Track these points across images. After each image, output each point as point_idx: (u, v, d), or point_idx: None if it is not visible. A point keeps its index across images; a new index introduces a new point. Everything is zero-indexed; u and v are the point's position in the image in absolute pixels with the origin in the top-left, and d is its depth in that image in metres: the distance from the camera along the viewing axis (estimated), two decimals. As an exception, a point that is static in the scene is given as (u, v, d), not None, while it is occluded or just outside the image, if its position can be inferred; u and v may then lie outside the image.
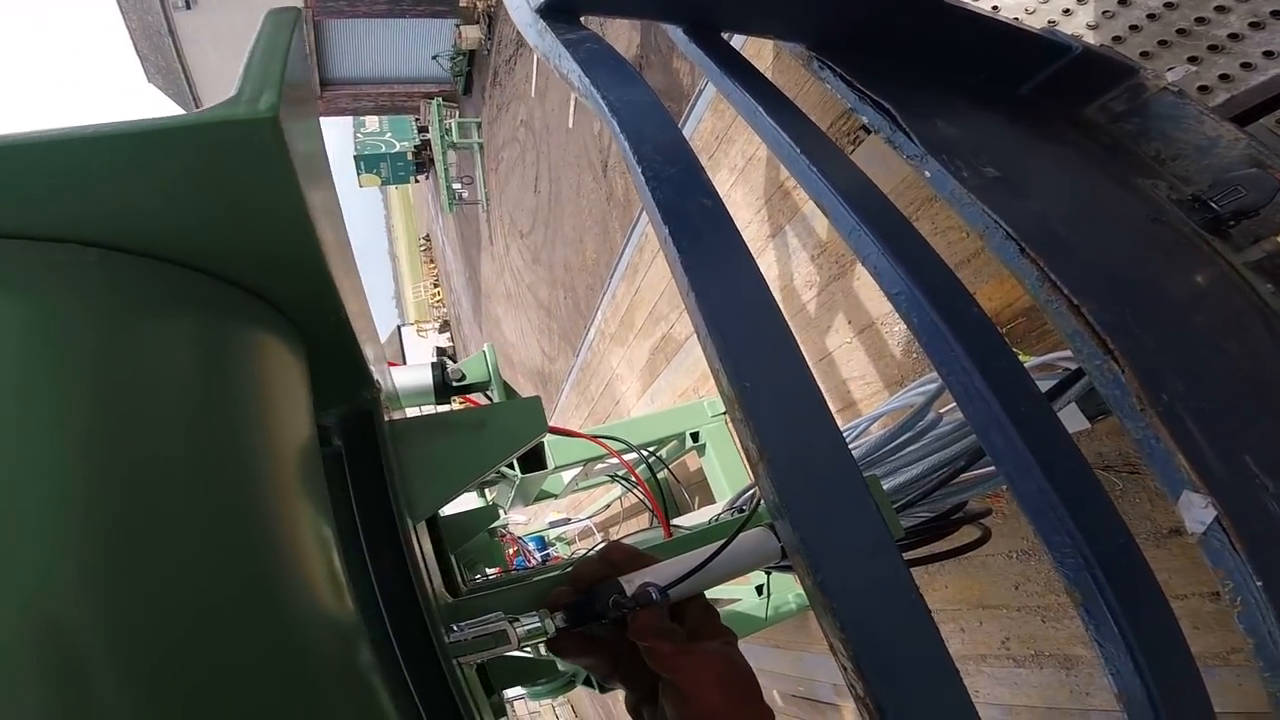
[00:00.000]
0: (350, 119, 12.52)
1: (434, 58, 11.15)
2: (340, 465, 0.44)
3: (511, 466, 1.80)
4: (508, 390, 1.04)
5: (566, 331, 5.33)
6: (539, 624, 0.46)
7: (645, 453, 2.03)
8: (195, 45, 10.64)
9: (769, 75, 1.81)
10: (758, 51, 1.78)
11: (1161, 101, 0.87)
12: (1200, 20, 0.93)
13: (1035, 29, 0.96)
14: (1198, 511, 0.49)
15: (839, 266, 1.76)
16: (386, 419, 0.48)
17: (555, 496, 2.35)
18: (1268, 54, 0.87)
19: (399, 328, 19.80)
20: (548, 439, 1.85)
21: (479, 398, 1.07)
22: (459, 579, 1.03)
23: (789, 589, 1.95)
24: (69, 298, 0.22)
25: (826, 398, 1.97)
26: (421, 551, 0.47)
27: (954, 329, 0.52)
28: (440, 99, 10.69)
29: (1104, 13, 1.02)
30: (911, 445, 0.92)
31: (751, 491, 1.28)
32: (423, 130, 11.82)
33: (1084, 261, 0.58)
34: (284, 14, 0.23)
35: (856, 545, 0.39)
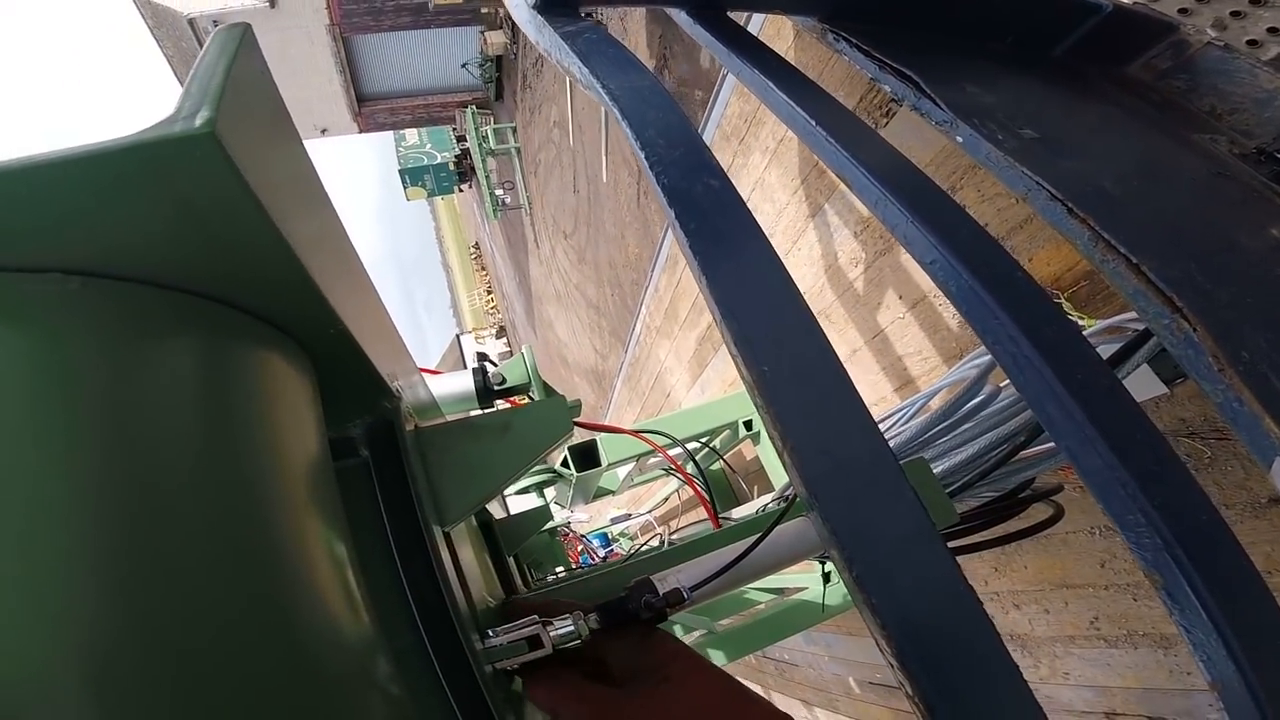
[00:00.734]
0: (391, 134, 12.88)
1: (464, 65, 11.32)
2: (369, 474, 0.45)
3: (567, 465, 1.82)
4: (547, 390, 1.04)
5: (616, 328, 5.35)
6: (572, 627, 0.45)
7: (696, 444, 2.01)
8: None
9: (791, 54, 1.75)
10: (778, 31, 1.73)
11: (1209, 57, 0.81)
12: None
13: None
14: (1293, 479, 0.44)
15: (884, 241, 1.69)
16: (411, 427, 0.49)
17: (613, 493, 2.36)
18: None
19: (458, 336, 20.31)
20: (600, 436, 1.86)
21: (521, 399, 1.08)
22: (520, 580, 1.04)
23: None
24: (63, 322, 0.23)
25: (882, 375, 1.90)
26: (455, 557, 0.47)
27: (996, 295, 0.48)
28: (474, 106, 10.86)
29: (1135, -30, 0.93)
30: (966, 424, 0.87)
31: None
32: (461, 139, 12.02)
33: (1141, 219, 0.53)
34: (231, 29, 0.23)
35: (894, 534, 0.37)
